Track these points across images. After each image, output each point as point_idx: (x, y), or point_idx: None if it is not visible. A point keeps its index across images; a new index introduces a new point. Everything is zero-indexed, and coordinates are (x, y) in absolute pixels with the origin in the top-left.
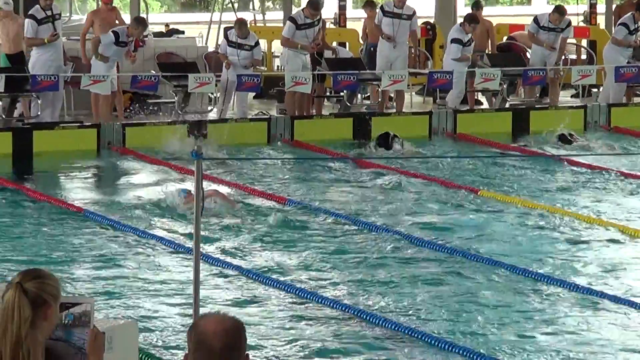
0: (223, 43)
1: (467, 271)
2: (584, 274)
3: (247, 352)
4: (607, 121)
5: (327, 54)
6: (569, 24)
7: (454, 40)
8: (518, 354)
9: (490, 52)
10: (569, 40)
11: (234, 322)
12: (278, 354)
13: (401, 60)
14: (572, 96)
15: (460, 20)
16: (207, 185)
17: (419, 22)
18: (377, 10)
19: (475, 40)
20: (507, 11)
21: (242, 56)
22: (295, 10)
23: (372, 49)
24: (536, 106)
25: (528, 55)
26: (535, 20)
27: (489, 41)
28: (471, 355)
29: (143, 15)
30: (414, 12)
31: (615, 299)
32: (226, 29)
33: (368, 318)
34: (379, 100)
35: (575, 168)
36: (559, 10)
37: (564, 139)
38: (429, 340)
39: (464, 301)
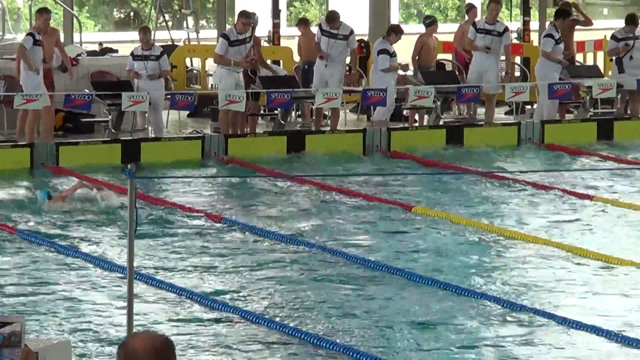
0: (129, 59)
1: (395, 287)
2: (512, 290)
3: None
4: (541, 138)
5: (264, 72)
6: (506, 29)
7: (380, 52)
8: None
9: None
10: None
11: (164, 340)
12: None
13: (335, 78)
14: (505, 113)
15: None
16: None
17: None
18: (316, 28)
19: (425, 57)
20: (441, 28)
21: (149, 67)
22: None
23: (306, 66)
24: (470, 123)
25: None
26: (474, 24)
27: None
28: None
29: (76, 34)
30: (351, 32)
31: (542, 314)
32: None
33: (301, 336)
34: (313, 118)
35: (510, 184)
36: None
37: None
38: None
39: (391, 317)
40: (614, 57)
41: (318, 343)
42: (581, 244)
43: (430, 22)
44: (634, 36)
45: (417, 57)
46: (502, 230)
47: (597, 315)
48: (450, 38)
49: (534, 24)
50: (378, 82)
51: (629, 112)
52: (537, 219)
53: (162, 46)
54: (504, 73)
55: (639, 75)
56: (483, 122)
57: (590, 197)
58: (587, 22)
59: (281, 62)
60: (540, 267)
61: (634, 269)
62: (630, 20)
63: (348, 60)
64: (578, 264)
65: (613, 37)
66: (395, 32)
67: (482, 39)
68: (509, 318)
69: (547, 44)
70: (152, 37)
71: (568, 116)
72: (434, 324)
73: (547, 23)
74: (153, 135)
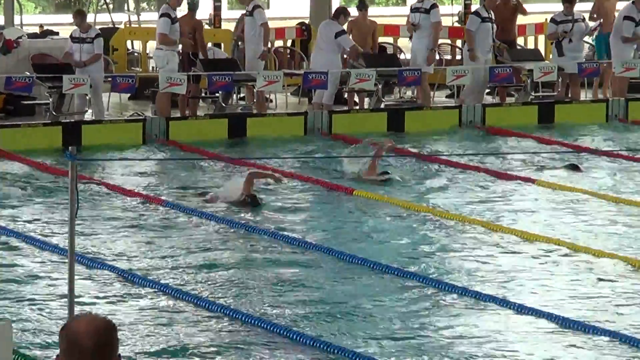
0: (69, 42)
1: (345, 272)
2: (451, 272)
3: (119, 352)
4: (482, 121)
5: (214, 53)
6: (433, 5)
7: (339, 33)
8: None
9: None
10: (442, 41)
11: (105, 322)
12: (151, 354)
13: (248, 57)
14: (447, 96)
15: None
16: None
17: (294, 22)
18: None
19: (357, 40)
20: (383, 12)
21: (85, 50)
22: None
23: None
24: (411, 106)
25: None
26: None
27: (373, 42)
28: (348, 355)
29: (17, 16)
30: (255, 6)
31: (493, 300)
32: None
33: (242, 318)
34: (254, 100)
35: (451, 168)
36: None
37: (575, 168)
38: (305, 341)
39: (338, 302)
40: (553, 41)
41: (254, 322)
42: (522, 227)
43: (361, 6)
44: (572, 19)
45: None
46: (444, 214)
47: (538, 297)
48: (392, 21)
49: (475, 7)
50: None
51: (569, 95)
52: (478, 203)
53: (102, 29)
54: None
55: (579, 59)
56: (424, 106)
57: (532, 181)
58: (522, 12)
59: (222, 45)
60: (478, 250)
61: (574, 252)
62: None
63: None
64: (518, 246)
65: (552, 20)
66: (344, 14)
67: (412, 17)
68: (446, 300)
69: (472, 22)
70: (87, 20)
71: (509, 99)
72: (372, 306)
73: None
74: (93, 118)
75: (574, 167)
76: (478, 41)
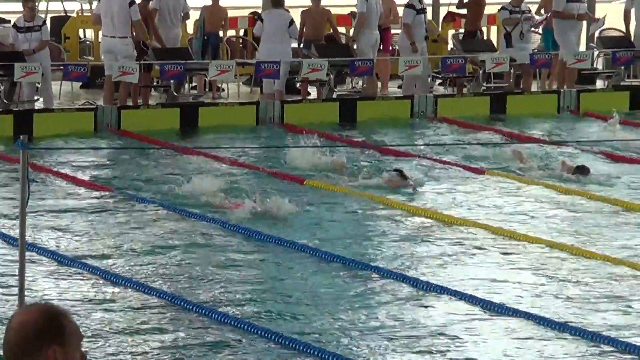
0: (11, 32)
1: (296, 261)
2: (394, 259)
3: (59, 340)
4: (434, 111)
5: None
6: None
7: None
8: (336, 337)
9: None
10: (395, 31)
11: (55, 310)
12: (108, 344)
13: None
14: (398, 87)
15: None
16: None
17: (247, 12)
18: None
19: (310, 29)
20: (335, 1)
21: (34, 38)
22: None
23: (205, 38)
24: (364, 96)
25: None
26: None
27: (333, 30)
28: (293, 345)
29: None
30: None
31: (440, 289)
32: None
33: (195, 309)
34: (206, 90)
35: (403, 159)
36: None
37: (583, 171)
38: (256, 331)
39: (289, 290)
40: (503, 32)
41: (200, 311)
42: (472, 217)
43: None
44: (520, 11)
45: (303, 31)
46: (394, 203)
47: (477, 283)
48: (344, 11)
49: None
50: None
51: (521, 86)
52: (430, 193)
53: (54, 17)
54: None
55: (527, 50)
56: (377, 96)
57: (482, 172)
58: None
59: None
60: (427, 239)
61: (522, 242)
62: None
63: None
64: (468, 235)
65: (503, 8)
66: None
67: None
68: (388, 287)
69: (407, 15)
70: (35, 8)
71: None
72: (315, 293)
73: None
74: (43, 106)
75: (583, 170)
76: (415, 33)
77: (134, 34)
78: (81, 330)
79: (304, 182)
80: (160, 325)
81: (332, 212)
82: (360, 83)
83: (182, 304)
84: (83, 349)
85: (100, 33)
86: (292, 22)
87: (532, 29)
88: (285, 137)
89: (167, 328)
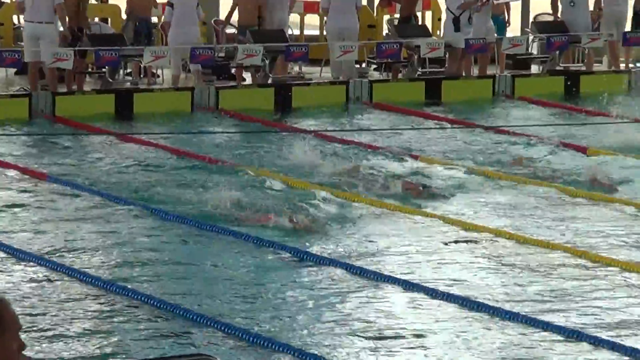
0: None
1: (220, 243)
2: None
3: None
4: (369, 97)
5: (91, 29)
6: None
7: None
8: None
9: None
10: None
11: None
12: (57, 335)
13: (193, 40)
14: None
15: None
16: None
17: None
18: None
19: (244, 15)
20: None
21: None
22: None
23: (137, 23)
24: (299, 82)
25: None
26: None
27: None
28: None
29: None
30: None
31: (375, 276)
32: None
33: (132, 295)
34: (141, 76)
35: (336, 145)
36: None
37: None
38: (190, 316)
39: (206, 272)
40: (451, 17)
41: (138, 297)
42: (404, 204)
43: None
44: None
45: (231, 16)
46: (321, 188)
47: (414, 270)
48: None
49: None
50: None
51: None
52: (367, 180)
53: None
54: None
55: (470, 35)
56: (312, 81)
57: (416, 157)
58: None
59: (109, 19)
60: (360, 224)
61: (458, 228)
62: None
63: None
64: (399, 220)
65: None
66: None
67: None
68: (321, 275)
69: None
70: None
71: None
72: (250, 279)
73: None
74: None
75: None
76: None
77: (67, 20)
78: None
79: (236, 167)
80: (95, 313)
81: (254, 193)
82: (295, 69)
83: (118, 290)
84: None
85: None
86: (198, 3)
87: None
88: (219, 122)
89: (100, 315)
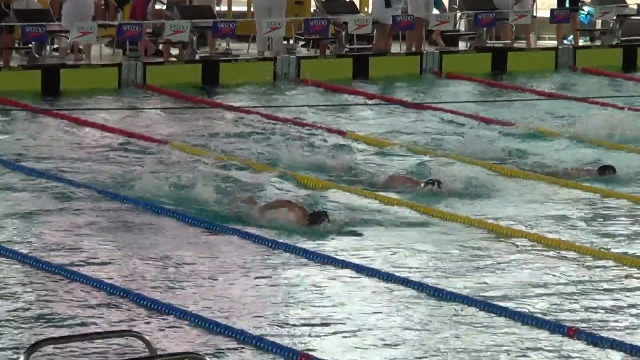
0: None
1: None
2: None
3: None
4: (297, 73)
5: (18, 4)
6: None
7: None
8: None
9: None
10: None
11: None
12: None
13: (87, 14)
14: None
15: None
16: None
17: None
18: None
19: None
20: None
21: None
22: None
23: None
24: (226, 58)
25: None
26: None
27: None
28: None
29: None
30: None
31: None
32: None
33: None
34: (69, 52)
35: (265, 120)
36: None
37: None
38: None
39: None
40: None
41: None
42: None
43: None
44: None
45: None
46: (253, 164)
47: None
48: None
49: None
50: None
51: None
52: (293, 155)
53: None
54: None
55: (399, 12)
56: (239, 58)
57: (343, 134)
58: None
59: None
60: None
61: (386, 205)
62: None
63: None
64: (332, 196)
65: None
66: None
67: None
68: (272, 259)
69: None
70: None
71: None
72: (191, 259)
73: None
74: None
75: (608, 170)
76: None
77: None
78: None
79: (167, 143)
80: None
81: (201, 176)
82: (223, 45)
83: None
84: None
85: None
86: None
87: None
88: (148, 99)
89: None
